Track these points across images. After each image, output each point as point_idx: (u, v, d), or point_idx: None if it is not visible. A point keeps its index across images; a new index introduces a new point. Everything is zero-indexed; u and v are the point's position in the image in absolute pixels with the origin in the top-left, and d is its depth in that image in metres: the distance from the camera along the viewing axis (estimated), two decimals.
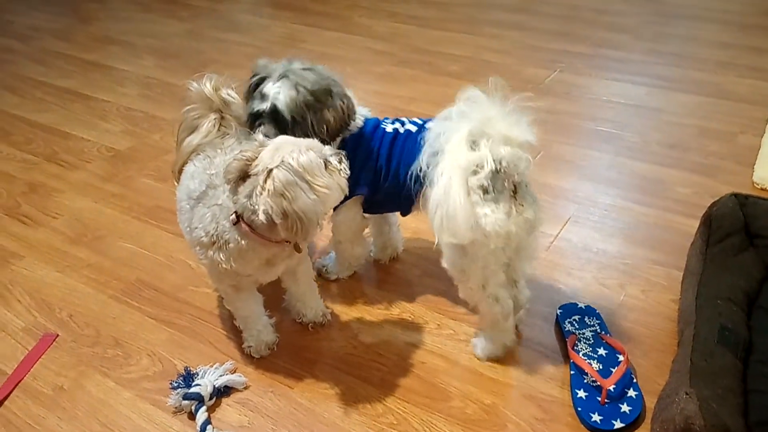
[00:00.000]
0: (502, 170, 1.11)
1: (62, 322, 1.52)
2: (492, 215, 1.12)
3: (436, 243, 1.19)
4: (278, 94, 1.27)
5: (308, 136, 1.26)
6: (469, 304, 1.37)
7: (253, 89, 1.32)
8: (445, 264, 1.26)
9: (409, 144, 1.34)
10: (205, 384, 1.28)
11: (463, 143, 1.11)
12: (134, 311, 1.55)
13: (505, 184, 1.13)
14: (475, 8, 3.67)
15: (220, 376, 1.31)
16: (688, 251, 1.55)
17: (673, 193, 1.91)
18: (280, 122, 1.28)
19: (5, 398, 1.32)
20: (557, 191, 1.94)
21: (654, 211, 1.84)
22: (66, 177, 2.13)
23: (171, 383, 1.30)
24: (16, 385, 1.35)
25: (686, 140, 2.20)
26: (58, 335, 1.48)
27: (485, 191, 1.12)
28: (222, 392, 1.30)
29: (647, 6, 3.59)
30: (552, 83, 2.68)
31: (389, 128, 1.40)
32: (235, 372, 1.35)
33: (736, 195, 1.49)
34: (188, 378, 1.30)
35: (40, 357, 1.42)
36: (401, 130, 1.38)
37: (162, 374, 1.37)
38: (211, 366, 1.35)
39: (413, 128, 1.38)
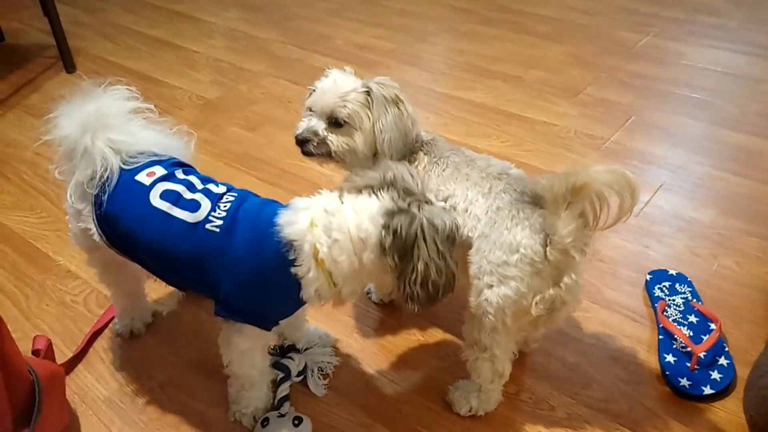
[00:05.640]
0: None
1: None
2: None
3: None
4: None
5: None
6: None
7: None
8: None
9: None
10: (297, 359, 1.24)
11: None
12: None
13: None
14: None
15: (315, 354, 1.27)
16: None
17: None
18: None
19: (105, 326, 1.40)
20: (648, 157, 1.88)
21: (750, 182, 1.76)
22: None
23: (270, 349, 1.20)
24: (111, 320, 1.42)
25: None
26: None
27: None
28: (313, 372, 1.24)
29: None
30: (644, 48, 2.57)
31: None
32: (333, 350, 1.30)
33: None
34: (286, 348, 1.28)
35: None
36: None
37: None
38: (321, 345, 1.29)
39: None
